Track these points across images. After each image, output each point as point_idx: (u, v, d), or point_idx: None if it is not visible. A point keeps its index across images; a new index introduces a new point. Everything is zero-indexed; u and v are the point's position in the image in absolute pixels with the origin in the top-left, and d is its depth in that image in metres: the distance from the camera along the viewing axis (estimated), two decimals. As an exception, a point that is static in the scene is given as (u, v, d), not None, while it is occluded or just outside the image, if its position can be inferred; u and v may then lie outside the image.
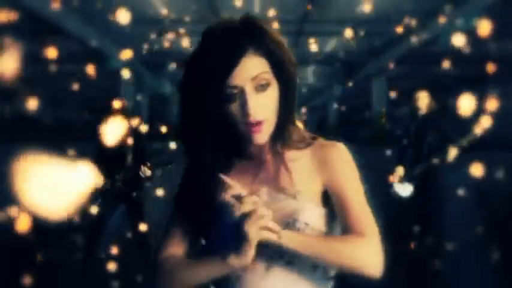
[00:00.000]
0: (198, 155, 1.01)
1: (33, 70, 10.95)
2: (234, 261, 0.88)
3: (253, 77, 0.93)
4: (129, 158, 3.92)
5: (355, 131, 16.53)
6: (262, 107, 0.94)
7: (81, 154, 4.16)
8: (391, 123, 12.77)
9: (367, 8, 7.93)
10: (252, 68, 0.93)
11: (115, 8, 7.23)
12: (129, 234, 4.08)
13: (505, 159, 8.20)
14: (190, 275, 0.95)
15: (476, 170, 6.04)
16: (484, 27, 6.25)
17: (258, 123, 0.94)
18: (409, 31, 9.43)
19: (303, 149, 1.03)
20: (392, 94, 12.88)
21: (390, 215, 3.23)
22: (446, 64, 9.32)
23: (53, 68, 9.97)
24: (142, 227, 4.00)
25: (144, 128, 4.16)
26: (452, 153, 3.78)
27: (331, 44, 12.20)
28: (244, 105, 0.92)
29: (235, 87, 0.92)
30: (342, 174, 0.99)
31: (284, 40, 0.99)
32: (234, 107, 0.94)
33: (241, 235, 0.86)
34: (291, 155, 1.02)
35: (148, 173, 3.79)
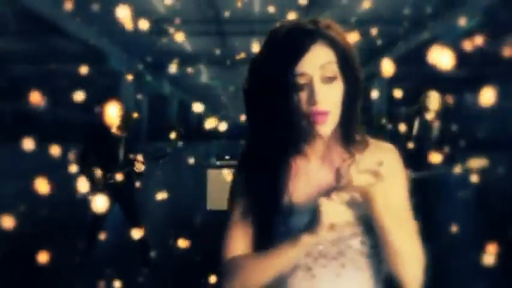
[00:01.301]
0: (263, 146, 1.01)
1: (33, 70, 10.95)
2: (305, 238, 0.90)
3: (321, 65, 0.94)
4: (121, 155, 3.89)
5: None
6: (328, 98, 0.94)
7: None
8: (391, 123, 12.77)
9: (367, 8, 7.93)
10: (320, 56, 0.94)
11: (115, 8, 7.22)
12: (127, 232, 4.06)
13: (505, 159, 8.21)
14: (262, 269, 0.96)
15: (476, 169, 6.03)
16: (484, 28, 6.25)
17: (323, 113, 0.94)
18: (409, 31, 9.43)
19: (362, 152, 1.03)
20: (393, 94, 12.89)
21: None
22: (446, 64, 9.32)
23: (52, 67, 9.97)
24: (139, 225, 3.98)
25: (129, 119, 4.14)
26: (457, 169, 3.73)
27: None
28: (311, 93, 0.93)
29: (303, 74, 0.93)
30: (390, 184, 0.99)
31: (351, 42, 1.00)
32: (301, 96, 0.94)
33: (315, 212, 0.89)
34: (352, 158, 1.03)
35: (142, 167, 3.78)
